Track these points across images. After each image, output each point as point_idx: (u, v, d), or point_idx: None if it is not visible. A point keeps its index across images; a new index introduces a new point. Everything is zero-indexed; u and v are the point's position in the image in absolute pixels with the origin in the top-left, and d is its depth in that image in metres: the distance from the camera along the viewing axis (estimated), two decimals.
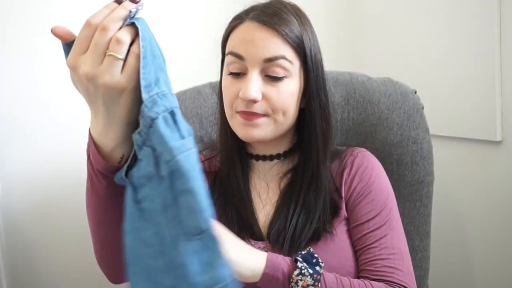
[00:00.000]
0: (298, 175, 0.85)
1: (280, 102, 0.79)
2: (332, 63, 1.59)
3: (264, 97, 0.78)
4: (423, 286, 1.05)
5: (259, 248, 0.80)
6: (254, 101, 0.78)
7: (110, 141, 0.57)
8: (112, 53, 0.50)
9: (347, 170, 0.86)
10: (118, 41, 0.50)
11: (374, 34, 1.52)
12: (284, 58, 0.77)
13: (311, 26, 0.84)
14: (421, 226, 1.04)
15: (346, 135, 1.05)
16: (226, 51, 0.81)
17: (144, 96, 0.51)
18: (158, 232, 0.53)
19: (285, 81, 0.79)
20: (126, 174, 0.57)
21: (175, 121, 0.52)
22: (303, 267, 0.71)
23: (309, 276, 0.71)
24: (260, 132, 0.80)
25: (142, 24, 0.53)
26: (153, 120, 0.51)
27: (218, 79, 0.88)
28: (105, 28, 0.51)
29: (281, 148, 0.88)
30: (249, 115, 0.79)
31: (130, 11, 0.52)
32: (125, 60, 0.51)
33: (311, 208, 0.81)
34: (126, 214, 0.55)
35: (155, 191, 0.53)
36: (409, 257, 0.82)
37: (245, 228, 0.83)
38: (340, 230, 0.82)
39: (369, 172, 0.86)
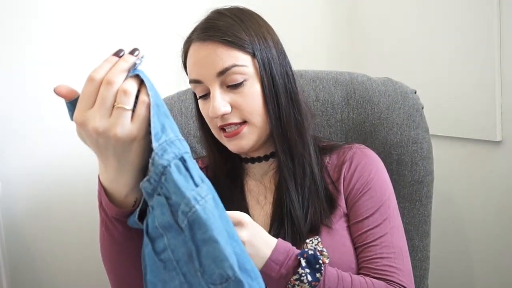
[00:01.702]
0: (287, 170, 0.84)
1: (249, 105, 0.80)
2: (332, 63, 1.60)
3: (233, 106, 0.80)
4: (423, 286, 1.05)
5: None
6: (226, 114, 0.80)
7: (123, 187, 0.58)
8: (120, 105, 0.51)
9: (346, 165, 0.86)
10: (126, 93, 0.51)
11: (374, 34, 1.52)
12: (234, 65, 0.78)
13: (256, 20, 0.84)
14: (421, 226, 1.04)
15: (346, 135, 1.05)
16: (189, 79, 0.84)
17: (154, 144, 0.51)
18: (186, 282, 0.53)
19: (246, 84, 0.80)
20: (140, 217, 0.58)
21: (187, 168, 0.52)
22: (303, 274, 0.72)
23: (307, 284, 0.71)
24: (248, 141, 0.82)
25: (143, 75, 0.54)
26: (165, 167, 0.51)
27: None
28: (110, 82, 0.52)
29: (272, 147, 0.88)
30: (230, 131, 0.81)
31: (135, 63, 0.53)
32: (133, 110, 0.52)
33: (305, 201, 0.82)
34: (147, 265, 0.55)
35: (176, 241, 0.53)
36: (409, 256, 0.83)
37: None
38: (340, 226, 0.82)
39: (368, 169, 0.86)
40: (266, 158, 0.89)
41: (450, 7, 1.24)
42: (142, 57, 0.54)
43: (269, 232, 0.82)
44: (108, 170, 0.56)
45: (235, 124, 0.81)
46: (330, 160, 0.88)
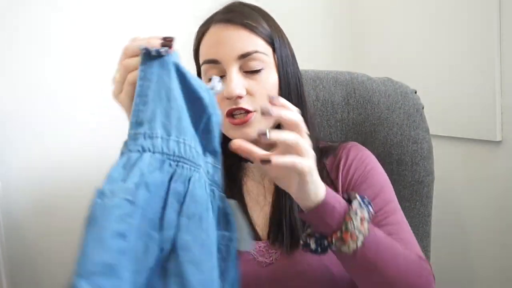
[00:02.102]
0: None
1: (264, 94, 0.78)
2: (332, 63, 1.60)
3: (248, 92, 0.78)
4: None
5: (259, 247, 0.80)
6: (240, 97, 0.77)
7: None
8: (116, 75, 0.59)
9: (342, 161, 0.86)
10: (123, 67, 0.59)
11: (374, 34, 1.52)
12: (256, 51, 0.78)
13: (274, 21, 0.85)
14: (421, 226, 1.04)
15: (346, 135, 1.05)
16: (201, 61, 0.81)
17: (129, 131, 0.53)
18: None
19: (264, 72, 0.79)
20: None
21: (133, 165, 0.51)
22: (360, 200, 0.67)
23: (365, 210, 0.66)
24: (255, 130, 0.79)
25: (161, 68, 0.55)
26: (121, 153, 0.53)
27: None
28: (123, 52, 0.60)
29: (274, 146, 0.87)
30: (239, 118, 0.78)
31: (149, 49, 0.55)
32: None
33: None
34: None
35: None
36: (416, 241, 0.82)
37: None
38: None
39: (365, 161, 0.86)
40: None
41: (450, 7, 1.24)
42: (167, 49, 0.55)
43: (268, 234, 0.82)
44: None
45: (245, 111, 0.78)
46: (328, 161, 0.88)
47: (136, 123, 0.52)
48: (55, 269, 1.35)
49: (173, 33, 0.58)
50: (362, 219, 0.65)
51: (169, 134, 0.53)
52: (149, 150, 0.52)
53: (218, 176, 0.60)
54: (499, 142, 1.16)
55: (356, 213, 0.65)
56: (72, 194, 1.33)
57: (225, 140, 0.84)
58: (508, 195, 1.15)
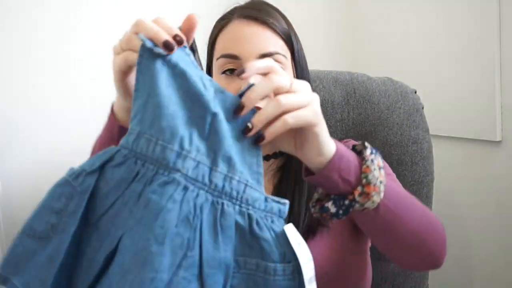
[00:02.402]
0: (288, 170, 0.83)
1: None
2: (332, 63, 1.60)
3: None
4: (423, 286, 1.05)
5: None
6: None
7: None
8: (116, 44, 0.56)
9: None
10: (125, 40, 0.55)
11: (374, 34, 1.52)
12: (278, 53, 0.76)
13: (292, 26, 0.84)
14: None
15: (346, 135, 1.05)
16: (216, 55, 0.78)
17: (130, 124, 0.53)
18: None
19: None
20: None
21: (99, 156, 0.52)
22: (370, 147, 0.61)
23: (379, 156, 0.61)
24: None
25: (157, 63, 0.51)
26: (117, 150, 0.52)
27: None
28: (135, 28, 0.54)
29: (276, 147, 0.87)
30: None
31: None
32: None
33: (302, 202, 0.80)
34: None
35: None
36: None
37: None
38: (339, 225, 0.80)
39: None
40: (267, 158, 0.88)
41: (450, 7, 1.24)
42: (164, 51, 0.52)
43: None
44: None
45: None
46: None
47: (130, 119, 0.52)
48: None
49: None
50: (379, 167, 0.59)
51: (144, 132, 0.50)
52: (122, 146, 0.52)
53: (235, 188, 0.50)
54: (499, 142, 1.16)
55: (372, 162, 0.58)
56: None
57: None
58: (508, 195, 1.15)
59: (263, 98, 0.53)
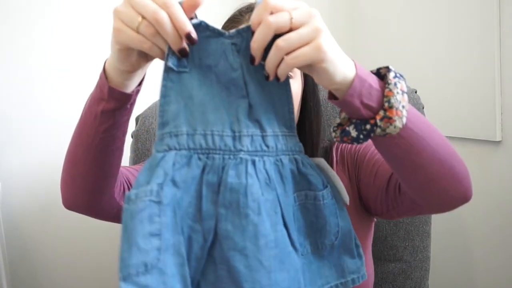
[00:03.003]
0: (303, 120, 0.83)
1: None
2: None
3: None
4: (423, 286, 1.05)
5: None
6: None
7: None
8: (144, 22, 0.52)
9: (335, 155, 0.86)
10: (149, 32, 0.51)
11: (374, 34, 1.52)
12: None
13: None
14: (422, 226, 1.04)
15: None
16: None
17: (157, 132, 0.54)
18: None
19: (291, 82, 0.78)
20: None
21: (157, 165, 0.52)
22: (393, 70, 0.58)
23: (403, 80, 0.57)
24: None
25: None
26: (153, 155, 0.53)
27: None
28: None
29: None
30: None
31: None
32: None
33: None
34: None
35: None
36: None
37: None
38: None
39: (349, 148, 0.85)
40: None
41: (450, 7, 1.24)
42: (185, 65, 0.55)
43: None
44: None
45: None
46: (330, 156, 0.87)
47: (162, 124, 0.54)
48: (54, 268, 1.35)
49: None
50: (402, 92, 0.56)
51: (195, 129, 0.54)
52: (175, 148, 0.53)
53: (282, 142, 0.58)
54: (499, 142, 1.16)
55: (395, 85, 0.56)
56: None
57: None
58: (508, 195, 1.15)
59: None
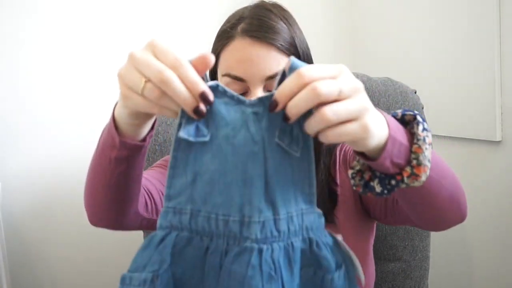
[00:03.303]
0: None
1: None
2: (332, 62, 1.60)
3: None
4: (422, 286, 1.05)
5: None
6: None
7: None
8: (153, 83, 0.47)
9: (339, 156, 0.85)
10: (155, 95, 0.47)
11: (374, 34, 1.52)
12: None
13: (296, 23, 0.81)
14: None
15: None
16: (221, 72, 0.77)
17: (164, 202, 0.51)
18: None
19: None
20: None
21: (155, 248, 0.50)
22: (421, 121, 0.55)
23: (429, 132, 0.55)
24: None
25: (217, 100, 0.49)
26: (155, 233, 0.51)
27: None
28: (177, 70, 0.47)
29: None
30: None
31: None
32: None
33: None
34: None
35: None
36: None
37: None
38: (344, 217, 0.81)
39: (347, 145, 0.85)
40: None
41: (450, 7, 1.24)
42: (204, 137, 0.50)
43: None
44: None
45: None
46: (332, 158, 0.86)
47: (168, 197, 0.51)
48: (55, 268, 1.35)
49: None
50: (430, 144, 0.54)
51: (199, 210, 0.50)
52: (177, 228, 0.51)
53: (296, 222, 0.52)
54: (499, 142, 1.16)
55: (424, 140, 0.53)
56: (71, 194, 1.32)
57: None
58: (508, 195, 1.15)
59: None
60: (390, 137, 0.52)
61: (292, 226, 0.51)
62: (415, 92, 1.07)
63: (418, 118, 0.55)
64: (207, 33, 0.86)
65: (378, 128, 0.51)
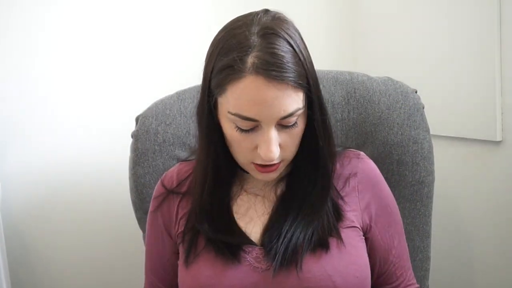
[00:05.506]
0: (296, 180, 0.83)
1: (294, 146, 0.77)
2: (332, 63, 1.60)
3: (281, 147, 0.75)
4: (423, 286, 1.05)
5: (256, 253, 0.78)
6: None
7: None
8: None
9: (357, 178, 0.86)
10: None
11: (374, 34, 1.52)
12: (298, 109, 0.72)
13: (299, 35, 0.77)
14: (422, 226, 1.04)
15: (346, 135, 1.05)
16: (229, 109, 0.72)
17: None
18: None
19: (297, 123, 0.75)
20: None
21: None
22: None
23: None
24: (278, 173, 0.80)
25: None
26: None
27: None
28: None
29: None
30: (269, 168, 0.77)
31: None
32: None
33: (312, 214, 0.79)
34: None
35: None
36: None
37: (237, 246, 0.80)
38: (349, 236, 0.80)
39: (382, 186, 0.88)
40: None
41: (450, 7, 1.24)
42: None
43: (263, 241, 0.79)
44: None
45: (276, 165, 0.77)
46: (333, 168, 0.85)
47: None
48: (55, 269, 1.35)
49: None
50: None
51: None
52: None
53: None
54: (499, 142, 1.16)
55: None
56: (71, 194, 1.33)
57: (225, 159, 0.80)
58: (508, 195, 1.15)
59: None
60: None
61: None
62: (416, 92, 1.07)
63: None
64: (207, 33, 0.86)
65: None
